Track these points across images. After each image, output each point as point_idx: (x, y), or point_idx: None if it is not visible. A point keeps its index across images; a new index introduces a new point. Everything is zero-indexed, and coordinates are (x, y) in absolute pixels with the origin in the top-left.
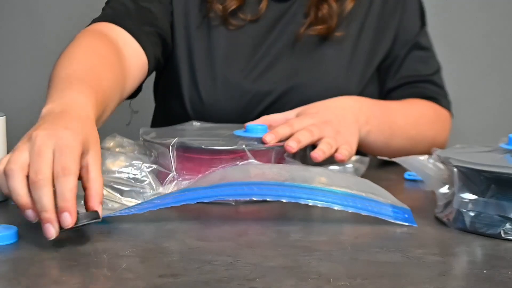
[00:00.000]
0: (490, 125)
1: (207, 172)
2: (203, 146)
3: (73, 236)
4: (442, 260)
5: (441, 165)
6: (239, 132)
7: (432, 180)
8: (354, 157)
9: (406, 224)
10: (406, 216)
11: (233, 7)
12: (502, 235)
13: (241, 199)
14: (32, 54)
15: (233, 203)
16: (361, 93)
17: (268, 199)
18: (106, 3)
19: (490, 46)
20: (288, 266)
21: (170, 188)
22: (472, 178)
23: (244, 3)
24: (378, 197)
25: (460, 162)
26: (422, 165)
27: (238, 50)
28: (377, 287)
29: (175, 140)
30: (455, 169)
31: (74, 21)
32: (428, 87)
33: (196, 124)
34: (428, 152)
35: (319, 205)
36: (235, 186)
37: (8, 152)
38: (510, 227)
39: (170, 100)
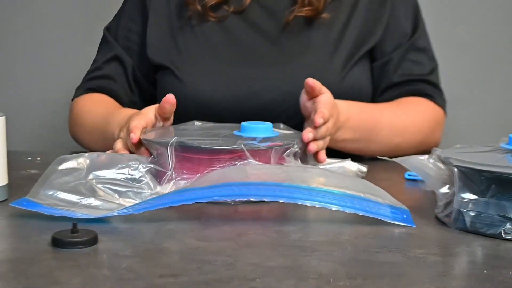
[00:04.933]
0: (490, 125)
1: (206, 171)
2: (201, 146)
3: None
4: (442, 260)
5: (441, 165)
6: (239, 132)
7: (433, 180)
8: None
9: (405, 224)
10: (405, 216)
11: (212, 3)
12: (503, 235)
13: (239, 199)
14: (32, 54)
15: (232, 203)
16: (343, 79)
17: (266, 200)
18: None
19: (490, 46)
20: (288, 266)
21: (168, 187)
22: (473, 178)
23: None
24: (377, 198)
25: (461, 162)
26: (423, 165)
27: (224, 41)
28: (377, 287)
29: (173, 139)
30: (455, 169)
31: (74, 22)
32: (423, 86)
33: (197, 123)
34: (414, 153)
35: (317, 206)
36: (232, 186)
37: (7, 151)
38: (511, 227)
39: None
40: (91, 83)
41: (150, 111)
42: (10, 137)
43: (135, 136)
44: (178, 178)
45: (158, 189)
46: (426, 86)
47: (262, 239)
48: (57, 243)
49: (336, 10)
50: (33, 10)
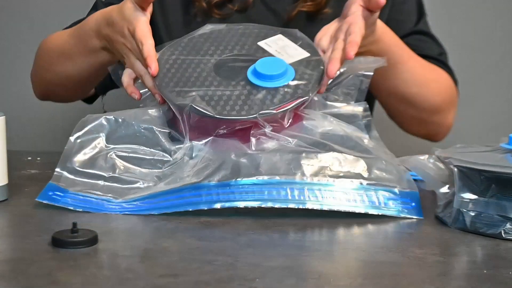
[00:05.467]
0: (490, 125)
1: (219, 133)
2: (216, 116)
3: None
4: (442, 260)
5: (441, 165)
6: (254, 77)
7: (433, 180)
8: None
9: (414, 217)
10: (413, 204)
11: (216, 0)
12: (503, 235)
13: (251, 206)
14: (32, 54)
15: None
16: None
17: (276, 206)
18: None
19: (490, 46)
20: (288, 266)
21: (184, 149)
22: (473, 178)
23: None
24: (386, 183)
25: (461, 162)
26: (423, 165)
27: None
28: (377, 287)
29: (187, 107)
30: (455, 169)
31: (74, 22)
32: (435, 62)
33: (210, 27)
34: (427, 121)
35: (326, 209)
36: (246, 187)
37: (7, 151)
38: (511, 227)
39: None
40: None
41: (138, 16)
42: (10, 137)
43: (154, 70)
44: (195, 142)
45: (176, 155)
46: (438, 63)
47: (262, 239)
48: (57, 243)
49: (338, 5)
50: (33, 10)
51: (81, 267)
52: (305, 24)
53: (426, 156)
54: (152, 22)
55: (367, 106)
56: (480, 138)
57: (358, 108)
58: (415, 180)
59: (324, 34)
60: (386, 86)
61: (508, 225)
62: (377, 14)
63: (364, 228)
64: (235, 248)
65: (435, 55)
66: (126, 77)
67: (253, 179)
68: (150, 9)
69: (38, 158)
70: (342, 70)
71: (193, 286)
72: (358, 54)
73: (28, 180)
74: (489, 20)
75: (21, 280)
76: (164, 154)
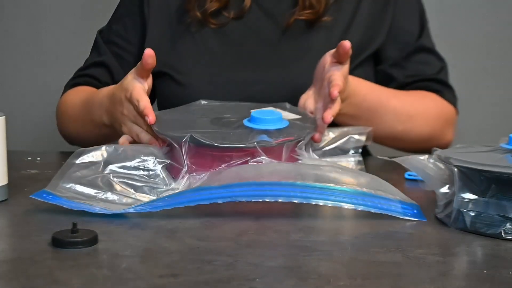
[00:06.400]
0: (490, 125)
1: (218, 167)
2: (215, 144)
3: None
4: (442, 260)
5: (441, 165)
6: (249, 123)
7: (433, 180)
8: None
9: (416, 219)
10: (415, 211)
11: (213, 8)
12: (503, 235)
13: (254, 200)
14: (32, 55)
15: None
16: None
17: (280, 200)
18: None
19: (490, 46)
20: (288, 266)
21: (182, 183)
22: (473, 178)
23: (226, 3)
24: (387, 194)
25: (461, 162)
26: (423, 165)
27: (223, 46)
28: (377, 287)
29: (187, 136)
30: (455, 169)
31: (74, 22)
32: (432, 84)
33: (204, 102)
34: (423, 148)
35: (330, 205)
36: (248, 186)
37: (7, 151)
38: (511, 227)
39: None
40: (78, 80)
41: (135, 83)
42: (10, 137)
43: (152, 118)
44: (194, 174)
45: (173, 185)
46: (435, 84)
47: (262, 239)
48: (57, 243)
49: (337, 13)
50: (34, 10)
51: (81, 267)
52: (304, 31)
53: (426, 156)
54: (140, 50)
55: (361, 159)
56: (480, 138)
57: (351, 159)
58: (415, 180)
59: (307, 98)
60: (374, 131)
61: (508, 225)
62: (347, 65)
63: (364, 228)
64: (235, 248)
65: (434, 75)
66: (123, 138)
67: (255, 181)
68: (149, 80)
69: (38, 158)
70: (334, 135)
71: (193, 286)
72: (339, 115)
73: (28, 180)
74: (489, 20)
75: (21, 280)
76: (161, 182)
